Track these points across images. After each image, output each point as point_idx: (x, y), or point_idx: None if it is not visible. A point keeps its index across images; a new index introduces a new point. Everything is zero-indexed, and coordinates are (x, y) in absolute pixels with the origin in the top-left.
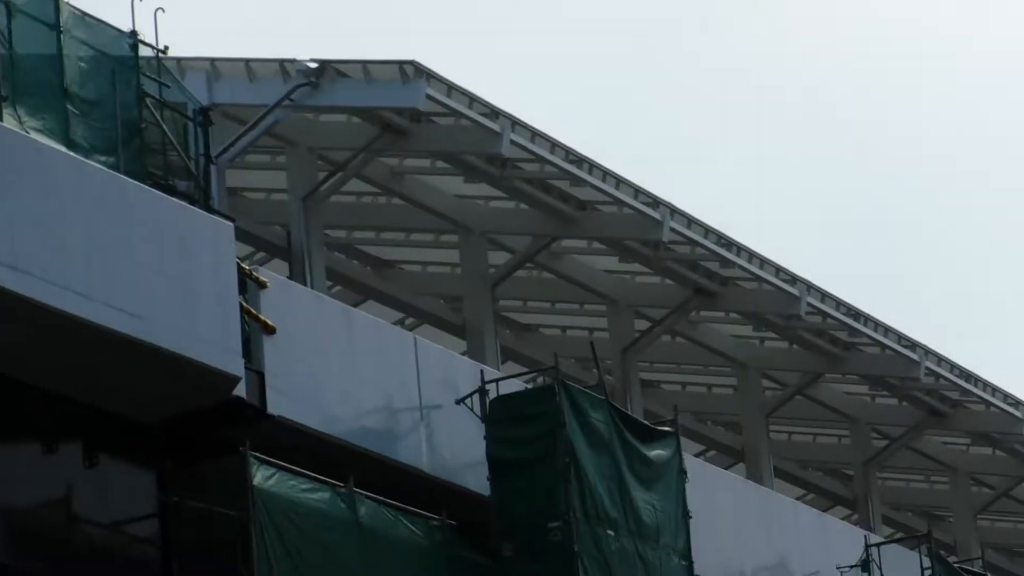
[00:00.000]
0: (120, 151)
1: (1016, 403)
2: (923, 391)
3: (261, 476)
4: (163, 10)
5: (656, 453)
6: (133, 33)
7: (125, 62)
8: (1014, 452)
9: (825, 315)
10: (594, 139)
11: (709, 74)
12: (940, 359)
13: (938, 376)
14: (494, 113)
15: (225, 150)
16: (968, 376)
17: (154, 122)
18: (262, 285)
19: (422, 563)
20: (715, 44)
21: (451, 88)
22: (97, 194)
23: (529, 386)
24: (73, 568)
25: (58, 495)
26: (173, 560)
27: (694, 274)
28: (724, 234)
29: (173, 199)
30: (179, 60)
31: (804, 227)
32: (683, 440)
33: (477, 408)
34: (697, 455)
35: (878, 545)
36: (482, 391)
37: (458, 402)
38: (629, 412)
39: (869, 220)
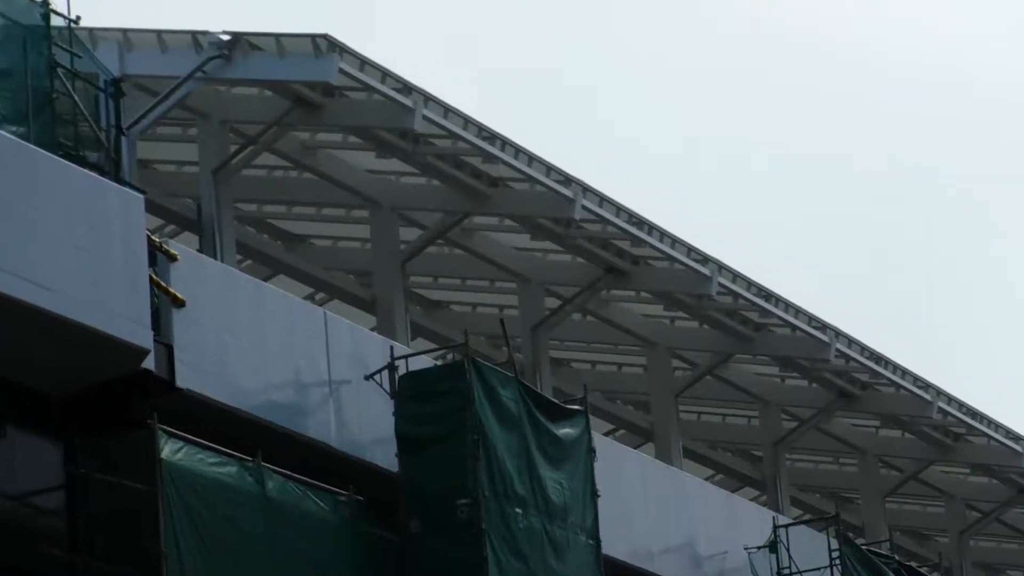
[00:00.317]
0: (30, 121)
1: (926, 386)
2: (833, 373)
3: (169, 449)
4: None
5: (565, 431)
6: (45, 3)
7: (37, 32)
8: (923, 435)
9: (736, 295)
10: (507, 116)
11: (625, 53)
12: (851, 341)
13: (848, 358)
14: (407, 88)
15: (136, 122)
16: (878, 358)
17: (65, 92)
18: (172, 258)
19: (329, 538)
20: (632, 23)
21: (364, 63)
22: (6, 164)
23: (439, 363)
24: None
25: None
26: (80, 532)
27: (605, 253)
28: (636, 213)
29: (83, 170)
30: (91, 30)
31: (717, 207)
32: (592, 419)
33: (386, 384)
34: (606, 434)
35: (786, 526)
36: (391, 367)
37: (367, 378)
38: (539, 390)
39: (786, 198)
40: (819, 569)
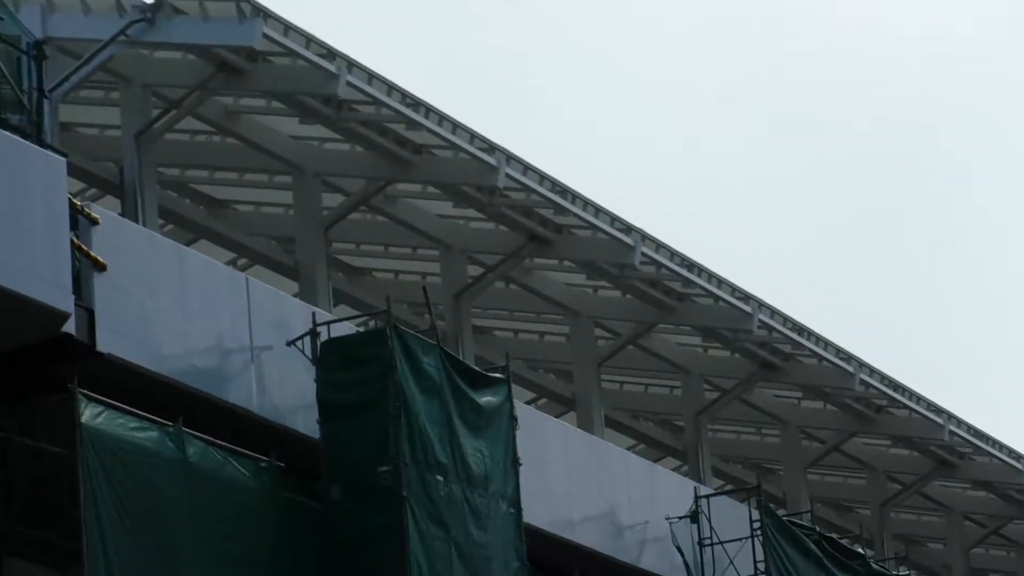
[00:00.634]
0: None
1: (848, 357)
2: (755, 343)
3: (89, 414)
4: None
5: (487, 400)
6: None
7: None
8: (845, 407)
9: (659, 265)
10: (432, 83)
11: (555, 19)
12: (773, 312)
13: (771, 329)
14: (331, 54)
15: (59, 85)
16: (801, 329)
17: None
18: (94, 221)
19: (250, 504)
20: None
21: (288, 28)
22: None
23: (361, 329)
24: None
25: None
26: None
27: (529, 221)
28: (559, 181)
29: (5, 133)
30: None
31: (641, 176)
32: (514, 387)
33: (308, 350)
34: (528, 403)
35: (707, 497)
36: (313, 333)
37: (289, 344)
38: (461, 358)
39: (710, 171)
40: (740, 540)
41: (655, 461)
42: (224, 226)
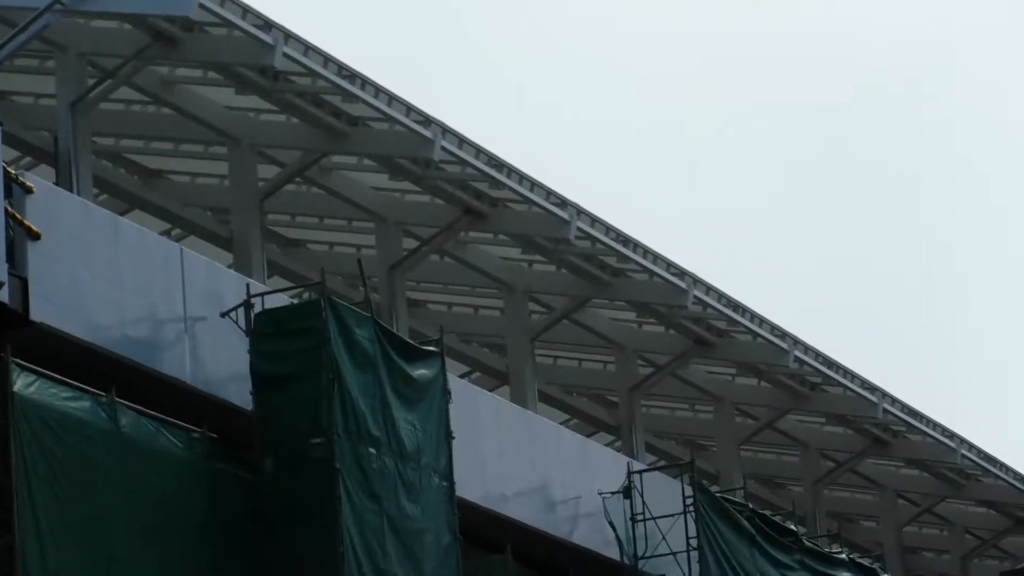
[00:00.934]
0: None
1: (783, 334)
2: (690, 319)
3: (22, 383)
4: None
5: (420, 373)
6: None
7: None
8: (779, 383)
9: (594, 240)
10: (369, 55)
11: None
12: (708, 288)
13: (705, 305)
14: (267, 25)
15: None
16: (735, 306)
17: None
18: (28, 190)
19: (182, 475)
20: None
21: None
22: None
23: (295, 301)
24: None
25: None
26: None
27: (464, 194)
28: (495, 155)
29: None
30: None
31: (578, 150)
32: (448, 361)
33: (242, 321)
34: (462, 376)
35: (640, 472)
36: (247, 304)
37: (223, 315)
38: (395, 331)
39: (646, 147)
40: (672, 515)
41: (588, 436)
42: (159, 196)
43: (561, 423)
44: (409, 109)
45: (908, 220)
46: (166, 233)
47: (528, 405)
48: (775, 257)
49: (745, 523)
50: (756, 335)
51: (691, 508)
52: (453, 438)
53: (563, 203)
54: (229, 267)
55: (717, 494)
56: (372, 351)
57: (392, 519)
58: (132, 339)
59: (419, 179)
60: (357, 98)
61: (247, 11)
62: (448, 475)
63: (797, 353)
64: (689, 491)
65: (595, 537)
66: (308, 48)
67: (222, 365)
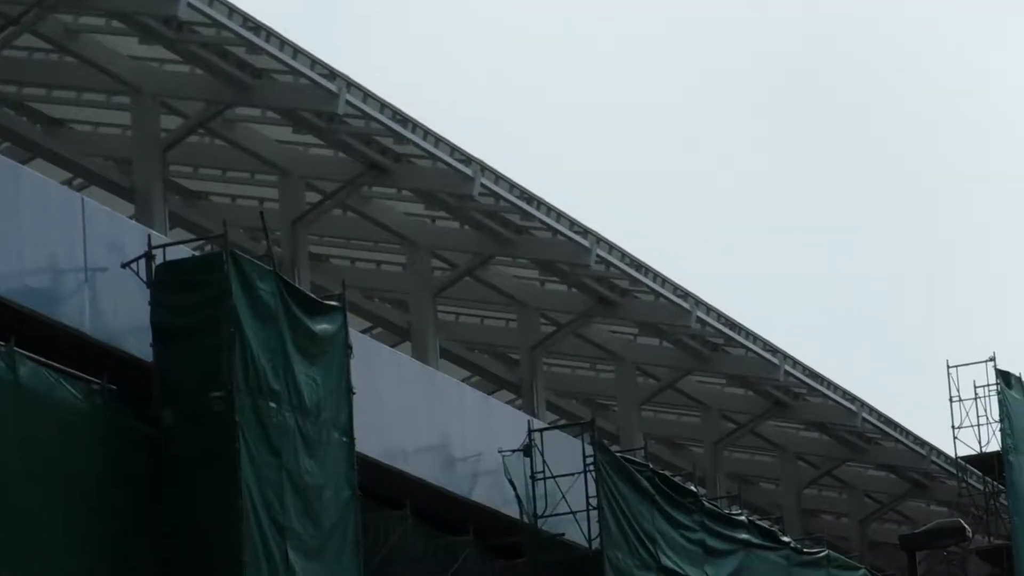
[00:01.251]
0: None
1: (685, 295)
2: (593, 278)
3: None
4: None
5: (322, 327)
6: None
7: None
8: (681, 344)
9: (498, 197)
10: (274, 7)
11: None
12: (611, 247)
13: (608, 264)
14: None
15: None
16: (638, 266)
17: None
18: None
19: (81, 427)
20: None
21: None
22: None
23: (197, 253)
24: None
25: None
26: None
27: (368, 149)
28: (400, 110)
29: None
30: None
31: (483, 105)
32: (350, 316)
33: (143, 273)
34: (363, 331)
35: (541, 431)
36: (149, 256)
37: (124, 266)
38: (297, 285)
39: (555, 102)
40: (573, 474)
41: (490, 394)
42: (61, 145)
43: (463, 380)
44: (314, 62)
45: (808, 173)
46: (67, 183)
47: (430, 362)
48: (679, 217)
49: (645, 483)
50: (658, 295)
51: (591, 467)
52: (354, 393)
53: (467, 159)
54: (131, 218)
55: (618, 454)
56: (274, 305)
57: (291, 474)
58: (32, 288)
59: (323, 133)
60: (262, 50)
61: None
62: (348, 431)
63: (699, 314)
64: (590, 450)
65: (495, 495)
66: None
67: (122, 316)
